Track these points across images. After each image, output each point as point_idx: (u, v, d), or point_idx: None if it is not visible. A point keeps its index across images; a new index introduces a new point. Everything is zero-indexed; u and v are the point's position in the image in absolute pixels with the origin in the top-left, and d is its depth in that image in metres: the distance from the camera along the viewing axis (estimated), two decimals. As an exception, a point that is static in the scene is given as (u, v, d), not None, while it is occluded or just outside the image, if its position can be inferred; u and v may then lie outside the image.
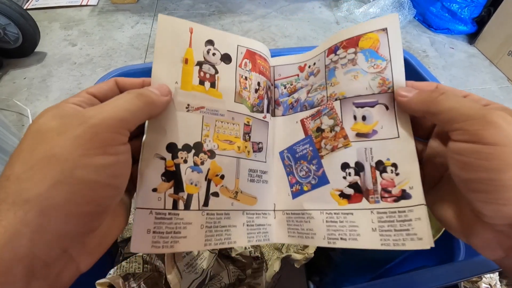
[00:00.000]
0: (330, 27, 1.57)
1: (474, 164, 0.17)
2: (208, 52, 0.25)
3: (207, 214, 0.23)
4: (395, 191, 0.22)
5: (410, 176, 0.22)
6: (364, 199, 0.23)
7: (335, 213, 0.24)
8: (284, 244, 0.41)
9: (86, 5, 1.58)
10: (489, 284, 0.41)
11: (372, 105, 0.24)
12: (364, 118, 0.24)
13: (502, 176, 0.16)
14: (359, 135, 0.24)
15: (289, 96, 0.29)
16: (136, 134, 0.23)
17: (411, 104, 0.21)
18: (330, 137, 0.25)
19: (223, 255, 0.40)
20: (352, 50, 0.25)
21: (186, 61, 0.24)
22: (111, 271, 0.32)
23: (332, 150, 0.25)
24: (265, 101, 0.28)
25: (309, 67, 0.29)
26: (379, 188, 0.23)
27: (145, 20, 1.52)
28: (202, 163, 0.24)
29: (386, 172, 0.23)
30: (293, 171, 0.27)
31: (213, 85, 0.25)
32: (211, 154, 0.24)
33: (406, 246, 0.21)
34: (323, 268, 0.49)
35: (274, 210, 0.27)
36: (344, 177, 0.24)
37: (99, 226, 0.18)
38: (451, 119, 0.18)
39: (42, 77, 1.18)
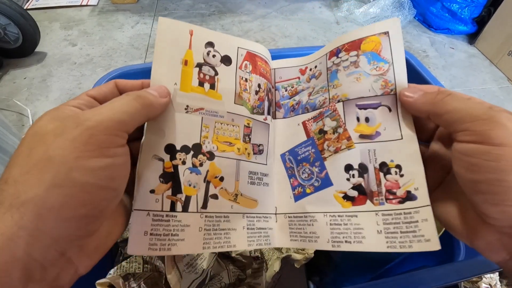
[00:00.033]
0: (330, 27, 1.56)
1: (481, 165, 0.17)
2: (208, 54, 0.25)
3: (206, 216, 0.23)
4: (400, 192, 0.22)
5: (415, 177, 0.22)
6: (368, 201, 0.23)
7: (339, 216, 0.24)
8: (284, 245, 0.41)
9: (86, 5, 1.58)
10: (489, 284, 0.41)
11: (375, 106, 0.24)
12: (367, 119, 0.24)
13: (510, 177, 0.16)
14: (362, 136, 0.24)
15: (290, 98, 0.29)
16: (137, 136, 0.23)
17: (416, 104, 0.21)
18: (333, 139, 0.25)
19: (223, 255, 0.40)
20: (354, 52, 0.25)
21: (185, 62, 0.24)
22: (111, 271, 0.33)
23: (336, 151, 0.25)
24: (266, 103, 0.28)
25: (310, 69, 0.29)
26: (384, 190, 0.23)
27: (145, 20, 1.51)
28: (201, 164, 0.23)
29: (390, 173, 0.23)
30: (295, 173, 0.27)
31: (212, 86, 0.25)
32: (210, 155, 0.24)
33: (413, 248, 0.21)
34: (323, 268, 0.49)
35: (275, 214, 0.27)
36: (348, 179, 0.24)
37: (98, 229, 0.18)
38: (458, 120, 0.18)
39: (42, 77, 1.18)
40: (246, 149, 0.26)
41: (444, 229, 0.36)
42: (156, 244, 0.21)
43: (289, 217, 0.26)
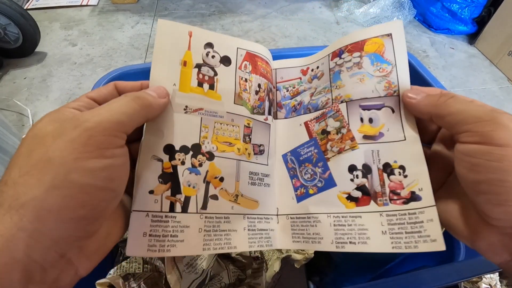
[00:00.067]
0: (330, 27, 1.56)
1: (483, 165, 0.17)
2: (207, 54, 0.25)
3: (206, 217, 0.23)
4: (404, 193, 0.22)
5: (419, 178, 0.22)
6: (372, 201, 0.23)
7: (342, 217, 0.24)
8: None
9: (87, 5, 1.58)
10: (489, 284, 0.41)
11: (378, 107, 0.24)
12: (370, 120, 0.24)
13: None
14: (366, 137, 0.24)
15: (291, 99, 0.29)
16: (136, 138, 0.23)
17: (419, 106, 0.22)
18: (337, 139, 0.25)
19: (223, 256, 0.40)
20: (357, 54, 0.25)
21: (184, 63, 0.24)
22: (111, 271, 0.32)
23: (339, 152, 0.25)
24: (266, 103, 0.28)
25: (312, 70, 0.29)
26: (387, 190, 0.23)
27: (145, 20, 1.52)
28: (200, 165, 0.23)
29: (393, 174, 0.23)
30: (297, 174, 0.27)
31: (212, 87, 0.25)
32: (210, 156, 0.24)
33: (419, 249, 0.21)
34: (323, 268, 0.49)
35: (277, 215, 0.27)
36: (352, 180, 0.24)
37: (98, 230, 0.18)
38: (460, 121, 0.19)
39: (42, 77, 1.18)
40: (246, 149, 0.26)
41: (444, 229, 0.36)
42: (155, 245, 0.21)
43: (291, 218, 0.26)
